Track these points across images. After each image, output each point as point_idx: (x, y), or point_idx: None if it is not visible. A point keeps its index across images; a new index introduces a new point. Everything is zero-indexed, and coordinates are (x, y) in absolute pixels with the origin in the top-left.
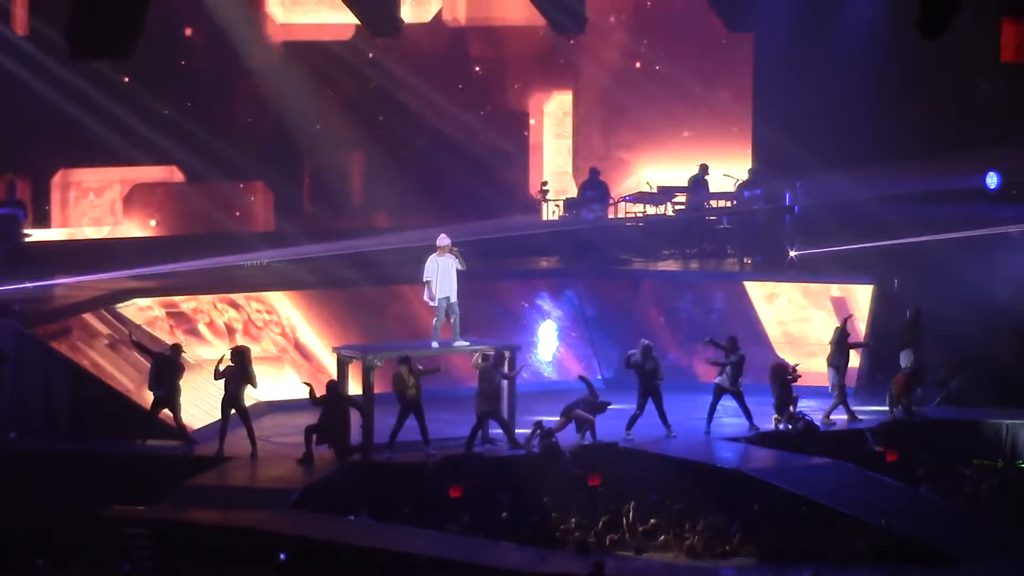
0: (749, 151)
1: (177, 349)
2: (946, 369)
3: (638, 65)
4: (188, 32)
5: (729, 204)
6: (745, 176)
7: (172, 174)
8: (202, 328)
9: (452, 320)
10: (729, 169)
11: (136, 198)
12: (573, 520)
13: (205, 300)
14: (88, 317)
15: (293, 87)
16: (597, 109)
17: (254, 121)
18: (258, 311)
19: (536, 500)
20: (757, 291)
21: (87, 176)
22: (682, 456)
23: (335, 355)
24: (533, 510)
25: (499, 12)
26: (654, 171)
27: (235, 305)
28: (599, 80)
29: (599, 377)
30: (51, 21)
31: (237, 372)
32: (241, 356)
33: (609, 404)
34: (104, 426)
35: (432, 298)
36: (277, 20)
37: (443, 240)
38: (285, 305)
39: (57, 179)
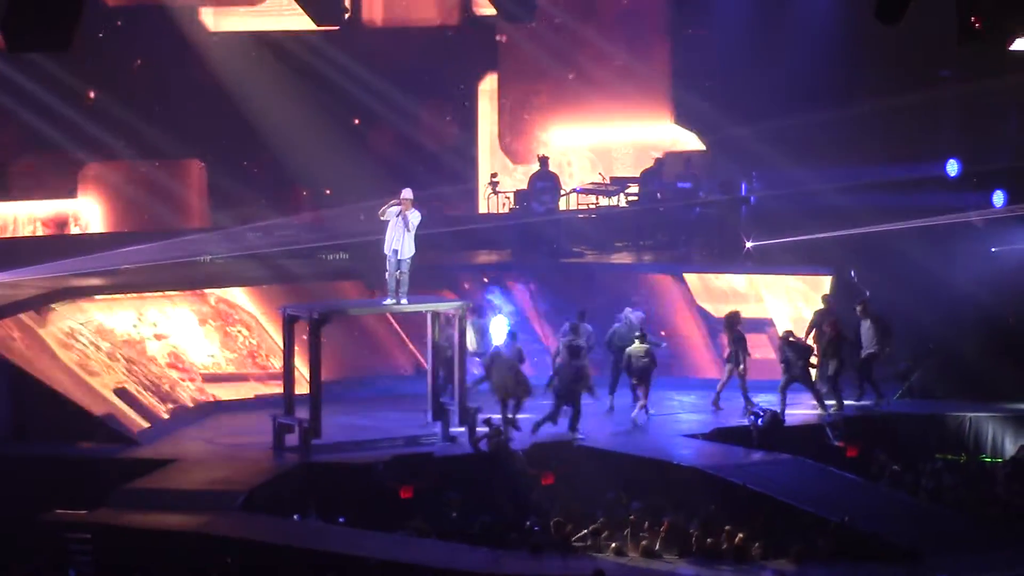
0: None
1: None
2: (907, 361)
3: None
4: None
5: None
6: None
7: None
8: (147, 325)
9: (400, 277)
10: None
11: (88, 174)
12: (527, 521)
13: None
14: (27, 317)
15: (230, 73)
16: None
17: (191, 105)
18: (208, 308)
19: (488, 500)
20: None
21: (42, 160)
22: (639, 453)
23: (281, 314)
24: (485, 510)
25: (415, 12)
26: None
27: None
28: (527, 68)
29: (551, 373)
30: None
31: None
32: None
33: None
34: (45, 429)
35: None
36: (209, 28)
37: (407, 193)
38: (239, 301)
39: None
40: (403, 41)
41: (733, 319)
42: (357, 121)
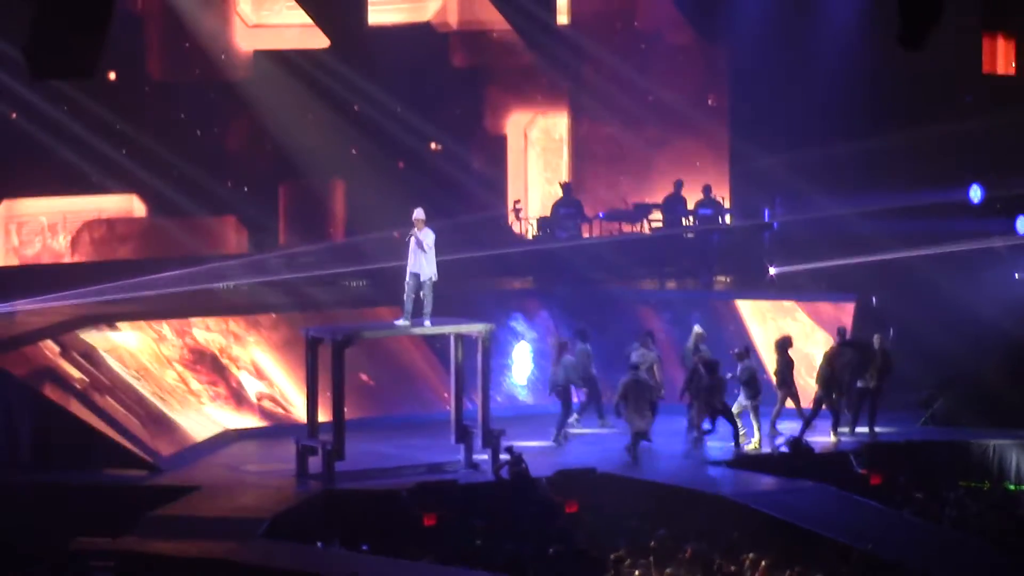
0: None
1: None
2: (930, 388)
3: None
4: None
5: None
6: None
7: (131, 204)
8: (168, 353)
9: (422, 298)
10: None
11: (89, 237)
12: (551, 548)
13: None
14: (49, 344)
15: (266, 109)
16: (592, 130)
17: (224, 144)
18: (228, 334)
19: (512, 527)
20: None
21: (36, 207)
22: (662, 481)
23: (304, 336)
24: (509, 538)
25: (494, 14)
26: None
27: (206, 329)
28: (590, 102)
29: (576, 401)
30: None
31: None
32: None
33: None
34: (68, 456)
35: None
36: (248, 20)
37: (419, 214)
38: (255, 327)
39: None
40: (451, 65)
41: (785, 343)
42: (401, 164)
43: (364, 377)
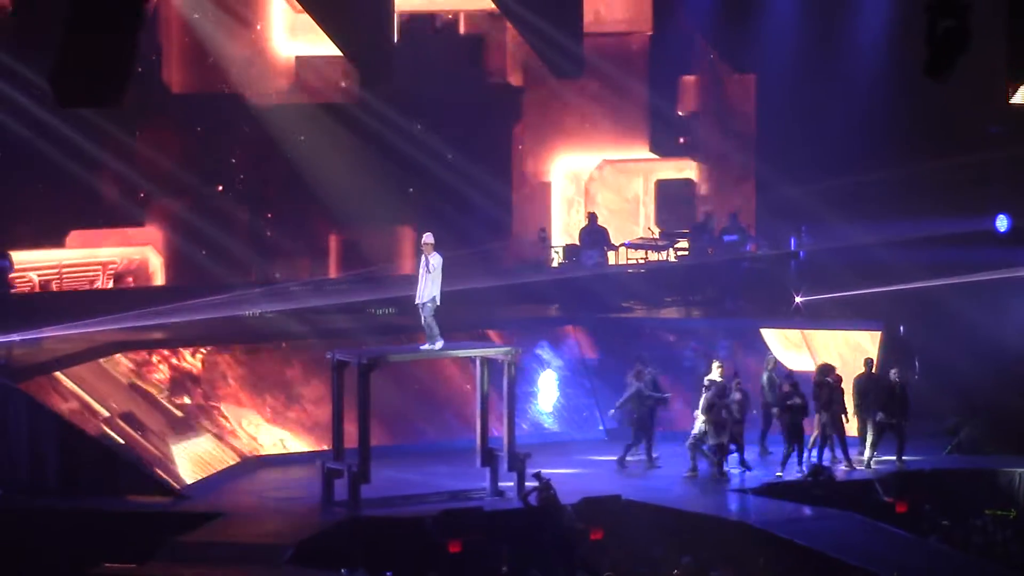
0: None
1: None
2: (956, 417)
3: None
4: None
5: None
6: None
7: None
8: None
9: (428, 321)
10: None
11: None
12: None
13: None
14: (76, 370)
15: (303, 149)
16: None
17: (263, 192)
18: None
19: (537, 554)
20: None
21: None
22: (687, 508)
23: (330, 360)
24: (534, 565)
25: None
26: None
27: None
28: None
29: (601, 428)
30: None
31: None
32: None
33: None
34: (93, 482)
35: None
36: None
37: (428, 238)
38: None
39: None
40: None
41: (825, 371)
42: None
43: (411, 412)
